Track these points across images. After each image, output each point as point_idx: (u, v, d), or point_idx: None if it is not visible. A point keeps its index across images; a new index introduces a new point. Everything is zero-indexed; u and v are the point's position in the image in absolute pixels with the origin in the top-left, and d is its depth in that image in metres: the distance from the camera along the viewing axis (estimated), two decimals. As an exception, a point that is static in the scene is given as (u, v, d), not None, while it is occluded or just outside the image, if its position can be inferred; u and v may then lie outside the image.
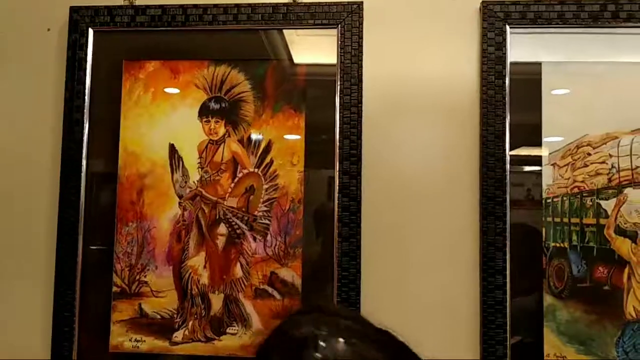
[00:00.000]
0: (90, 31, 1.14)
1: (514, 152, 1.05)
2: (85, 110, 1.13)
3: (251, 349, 1.08)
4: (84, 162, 1.12)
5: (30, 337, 1.12)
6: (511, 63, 1.06)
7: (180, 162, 1.12)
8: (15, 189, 1.17)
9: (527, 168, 1.07)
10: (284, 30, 1.12)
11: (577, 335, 1.02)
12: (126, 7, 1.13)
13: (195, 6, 1.13)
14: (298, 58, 1.12)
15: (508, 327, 1.02)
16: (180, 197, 1.12)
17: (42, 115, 1.16)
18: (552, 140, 1.06)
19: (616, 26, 1.06)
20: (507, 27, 1.07)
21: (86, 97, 1.13)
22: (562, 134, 1.06)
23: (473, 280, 1.05)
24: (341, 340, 0.51)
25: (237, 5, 1.12)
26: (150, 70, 1.14)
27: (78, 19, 1.14)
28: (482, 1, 1.08)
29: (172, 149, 1.13)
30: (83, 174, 1.12)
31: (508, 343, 1.02)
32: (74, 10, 1.14)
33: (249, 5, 1.12)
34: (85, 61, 1.13)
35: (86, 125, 1.13)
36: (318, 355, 0.49)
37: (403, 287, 1.08)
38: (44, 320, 1.12)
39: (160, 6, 1.13)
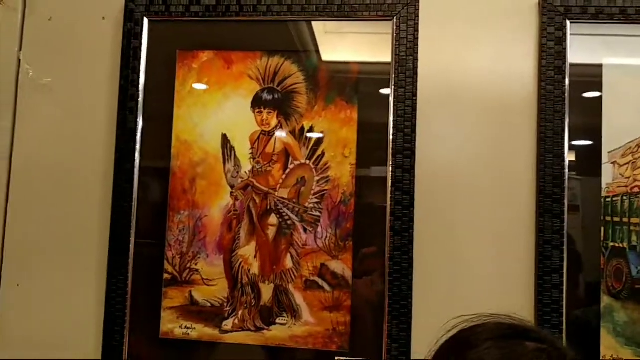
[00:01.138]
0: (145, 20, 1.15)
1: (573, 150, 1.03)
2: (139, 99, 1.14)
3: (300, 339, 1.09)
4: (137, 151, 1.14)
5: (83, 324, 1.15)
6: (571, 65, 1.04)
7: (233, 153, 1.13)
8: (70, 178, 1.18)
9: (586, 166, 1.05)
10: (338, 22, 1.12)
11: (635, 337, 1.00)
12: (181, -4, 1.14)
13: (259, -4, 1.13)
14: (349, 55, 1.12)
15: (564, 327, 1.01)
16: (232, 187, 1.13)
17: (97, 104, 1.18)
18: (612, 139, 1.03)
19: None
20: (568, 22, 1.04)
21: (140, 86, 1.14)
22: (622, 132, 1.03)
23: (528, 279, 1.04)
24: None
25: (292, -4, 1.12)
26: (204, 60, 1.14)
27: (133, 8, 1.15)
28: (542, -6, 1.06)
29: (225, 139, 1.13)
30: (137, 162, 1.13)
31: (564, 343, 1.01)
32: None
33: (304, -5, 1.11)
34: (140, 50, 1.14)
35: (140, 114, 1.14)
36: None
37: (455, 284, 1.07)
38: (97, 307, 1.14)
39: (215, -4, 1.13)
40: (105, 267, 1.13)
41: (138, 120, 1.14)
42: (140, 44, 1.15)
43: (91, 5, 1.20)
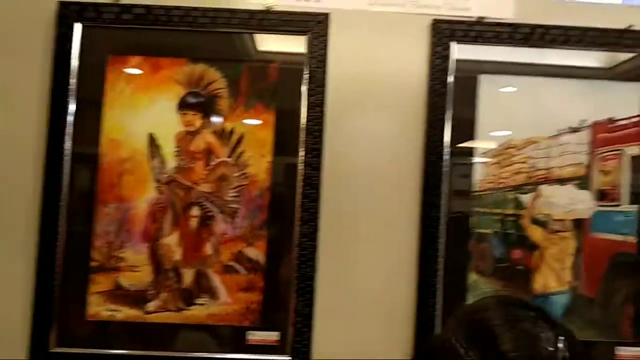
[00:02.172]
0: (78, 26, 1.23)
1: (451, 150, 1.24)
2: (70, 99, 1.22)
3: (218, 317, 1.22)
4: (67, 147, 1.22)
5: (13, 308, 1.21)
6: (454, 74, 1.24)
7: (158, 151, 1.24)
8: (1, 175, 1.24)
9: (462, 165, 1.26)
10: (258, 35, 1.26)
11: (496, 306, 1.23)
12: (112, 5, 1.23)
13: (178, 8, 1.24)
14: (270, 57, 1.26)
15: (439, 300, 1.21)
16: (157, 181, 1.24)
17: (28, 106, 1.24)
18: (485, 142, 1.26)
19: (542, 47, 1.26)
20: (453, 43, 1.25)
21: (71, 87, 1.22)
22: (493, 137, 1.26)
23: (412, 257, 1.23)
24: None
25: (216, 10, 1.24)
26: (134, 65, 1.24)
27: (66, 14, 1.23)
28: (433, 19, 1.25)
29: (151, 139, 1.24)
30: (67, 158, 1.21)
31: (439, 312, 1.21)
32: (63, 5, 1.23)
33: (228, 10, 1.24)
34: (71, 53, 1.22)
35: (72, 113, 1.22)
36: None
37: (353, 266, 1.25)
38: (26, 292, 1.21)
39: (145, 6, 1.23)
40: (35, 254, 1.21)
41: (69, 118, 1.22)
42: (71, 47, 1.22)
43: (24, 9, 1.26)
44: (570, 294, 1.25)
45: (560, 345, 0.60)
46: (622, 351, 1.26)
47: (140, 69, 1.25)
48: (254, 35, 1.26)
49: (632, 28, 1.25)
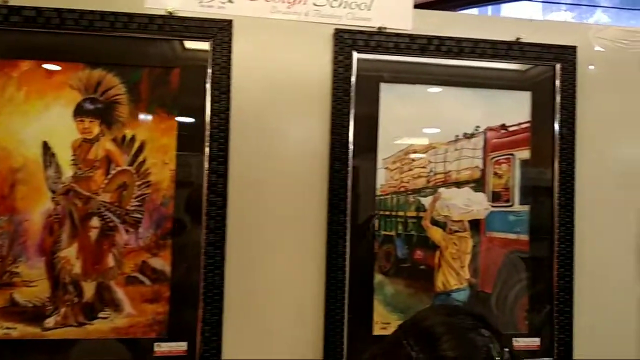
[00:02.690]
0: (-41, 27, 1.15)
1: (355, 156, 1.27)
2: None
3: (122, 330, 1.19)
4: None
5: None
6: (356, 82, 1.27)
7: (54, 159, 1.18)
8: None
9: (366, 170, 1.29)
10: (159, 41, 1.23)
11: (399, 306, 1.28)
12: (0, 6, 1.16)
13: (71, 10, 1.19)
14: (172, 63, 1.23)
15: (346, 301, 1.24)
16: (53, 192, 1.18)
17: None
18: (386, 148, 1.30)
19: (438, 57, 1.32)
20: (355, 52, 1.28)
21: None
22: (393, 143, 1.30)
23: (320, 260, 1.25)
24: None
25: (114, 14, 1.20)
26: (25, 70, 1.18)
27: (-55, 14, 1.15)
28: (335, 29, 1.28)
29: (46, 147, 1.18)
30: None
31: (345, 314, 1.24)
32: (-60, 5, 1.14)
33: (126, 14, 1.20)
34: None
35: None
36: None
37: (262, 271, 1.25)
38: None
39: (35, 8, 1.17)
40: None
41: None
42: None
43: None
44: (468, 290, 1.32)
45: (505, 355, 0.66)
46: (520, 342, 1.35)
47: (32, 74, 1.18)
48: (155, 40, 1.23)
49: (520, 40, 1.34)
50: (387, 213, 1.30)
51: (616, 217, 1.40)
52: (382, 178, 1.30)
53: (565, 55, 1.35)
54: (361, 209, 1.28)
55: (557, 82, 1.35)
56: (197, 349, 1.20)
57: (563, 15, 3.86)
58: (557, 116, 1.35)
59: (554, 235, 1.34)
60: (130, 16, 1.20)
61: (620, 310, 1.39)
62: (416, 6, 1.33)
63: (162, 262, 1.21)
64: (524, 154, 1.35)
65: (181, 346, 1.20)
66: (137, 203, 1.21)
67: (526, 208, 1.35)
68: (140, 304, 1.20)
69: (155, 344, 1.20)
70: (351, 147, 1.27)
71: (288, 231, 1.26)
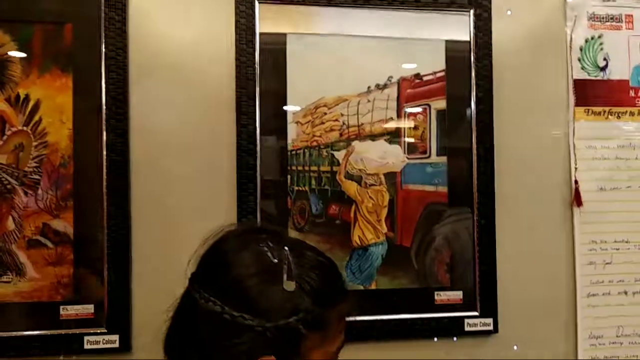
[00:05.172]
0: None
1: (263, 111, 1.24)
2: None
3: (26, 294, 1.16)
4: None
5: None
6: (260, 33, 1.23)
7: (-57, 121, 1.14)
8: None
9: (275, 125, 1.26)
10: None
11: (312, 261, 1.26)
12: None
13: (-49, -37, 1.13)
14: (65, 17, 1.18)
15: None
16: (-56, 155, 1.14)
17: None
18: (296, 101, 1.26)
19: (347, 5, 1.27)
20: (256, 1, 1.23)
21: None
22: (303, 96, 1.27)
23: (231, 218, 1.23)
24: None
25: (-1, -34, 1.15)
26: None
27: None
28: (234, -23, 1.23)
29: None
30: None
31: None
32: None
33: (11, -34, 1.15)
34: None
35: None
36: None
37: (170, 229, 1.22)
38: None
39: None
40: None
41: None
42: None
43: None
44: (386, 244, 1.30)
45: (285, 255, 0.66)
46: (442, 296, 1.34)
47: None
48: (47, -7, 1.18)
49: (432, -14, 1.30)
50: (300, 168, 1.27)
51: (535, 163, 1.38)
52: (293, 133, 1.26)
53: (479, 0, 1.32)
54: (272, 164, 1.25)
55: (471, 29, 1.31)
56: (104, 311, 1.18)
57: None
58: (473, 65, 1.32)
59: (474, 186, 1.33)
60: (17, -32, 1.15)
61: (543, 258, 1.39)
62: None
63: (64, 224, 1.18)
64: (440, 103, 1.32)
65: (88, 309, 1.18)
66: (35, 164, 1.17)
67: (444, 159, 1.32)
68: (44, 267, 1.17)
69: (62, 307, 1.17)
70: (257, 98, 1.23)
71: (196, 187, 1.23)
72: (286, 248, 0.67)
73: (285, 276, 0.65)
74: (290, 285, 0.65)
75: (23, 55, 1.16)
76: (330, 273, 0.71)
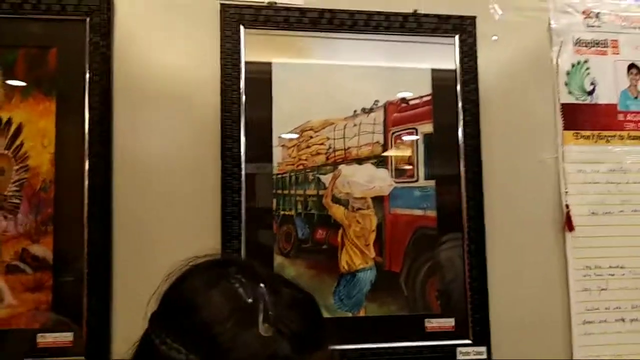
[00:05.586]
0: None
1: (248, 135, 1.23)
2: None
3: (3, 321, 1.13)
4: None
5: None
6: (246, 62, 1.23)
7: None
8: None
9: (261, 149, 1.25)
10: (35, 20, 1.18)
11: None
12: None
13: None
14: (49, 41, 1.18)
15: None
16: None
17: None
18: (281, 125, 1.25)
19: (332, 31, 1.28)
20: (242, 27, 1.24)
21: None
22: (289, 120, 1.26)
23: (214, 244, 1.20)
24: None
25: (-14, -8, 1.15)
26: None
27: None
28: (221, 3, 1.24)
29: None
30: None
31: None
32: None
33: (-2, -7, 1.16)
34: None
35: None
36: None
37: (153, 257, 1.19)
38: None
39: None
40: None
41: None
42: None
43: None
44: (375, 270, 1.28)
45: (260, 293, 0.56)
46: (433, 323, 1.30)
47: None
48: (31, 20, 1.18)
49: (417, 12, 1.31)
50: (286, 192, 1.25)
51: (525, 187, 1.37)
52: (278, 157, 1.25)
53: (465, 26, 1.33)
54: (257, 188, 1.24)
55: (457, 54, 1.32)
56: (84, 340, 1.14)
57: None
58: (459, 89, 1.32)
59: (463, 210, 1.31)
60: (3, -5, 1.16)
61: (536, 284, 1.35)
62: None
63: (43, 249, 1.15)
64: (427, 127, 1.31)
65: (67, 337, 1.14)
66: (15, 188, 1.15)
67: (432, 183, 1.31)
68: (22, 293, 1.14)
69: (39, 334, 1.14)
70: (242, 123, 1.22)
71: (179, 213, 1.21)
72: (262, 285, 0.57)
73: (261, 318, 0.55)
74: (267, 330, 0.55)
75: (6, 79, 1.16)
76: (310, 312, 0.61)
